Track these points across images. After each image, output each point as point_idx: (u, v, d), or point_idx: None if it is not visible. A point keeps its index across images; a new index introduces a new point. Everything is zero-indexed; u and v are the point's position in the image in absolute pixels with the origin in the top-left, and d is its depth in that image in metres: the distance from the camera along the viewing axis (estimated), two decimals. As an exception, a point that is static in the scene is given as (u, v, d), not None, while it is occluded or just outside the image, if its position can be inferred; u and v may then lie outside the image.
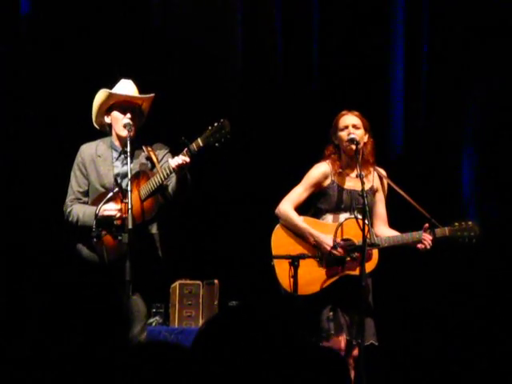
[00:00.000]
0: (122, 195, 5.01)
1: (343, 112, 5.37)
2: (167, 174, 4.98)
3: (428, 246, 5.20)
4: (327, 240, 5.23)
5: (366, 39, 6.85)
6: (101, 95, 5.23)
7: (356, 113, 5.36)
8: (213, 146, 4.93)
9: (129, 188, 4.89)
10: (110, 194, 5.04)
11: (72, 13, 6.65)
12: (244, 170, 6.78)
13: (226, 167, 6.71)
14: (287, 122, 6.81)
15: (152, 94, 5.27)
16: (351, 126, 5.29)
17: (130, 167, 4.96)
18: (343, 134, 5.30)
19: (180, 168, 4.90)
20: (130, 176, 4.94)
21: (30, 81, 6.62)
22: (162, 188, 5.05)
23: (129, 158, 4.97)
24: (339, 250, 5.21)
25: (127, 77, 5.31)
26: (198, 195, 6.59)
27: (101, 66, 6.48)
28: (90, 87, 5.40)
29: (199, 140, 4.92)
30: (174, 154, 5.10)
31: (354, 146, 5.22)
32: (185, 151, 4.92)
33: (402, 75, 6.91)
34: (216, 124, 4.93)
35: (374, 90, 6.85)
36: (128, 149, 4.99)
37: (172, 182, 5.07)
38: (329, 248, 5.21)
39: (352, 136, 5.24)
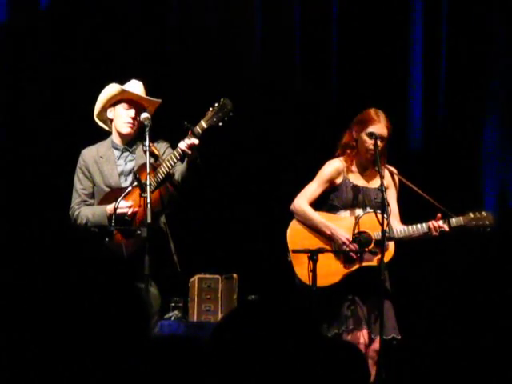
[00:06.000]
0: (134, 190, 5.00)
1: (378, 117, 5.26)
2: (174, 162, 4.96)
3: (437, 228, 5.17)
4: (343, 234, 5.23)
5: (385, 38, 6.81)
6: (112, 89, 5.23)
7: (388, 124, 5.26)
8: (216, 125, 4.89)
9: (148, 182, 4.83)
10: (129, 189, 5.02)
11: (90, 9, 6.66)
12: (260, 164, 6.76)
13: (242, 161, 6.70)
14: (304, 117, 6.80)
15: (159, 100, 5.28)
16: (379, 138, 5.23)
17: (148, 160, 4.88)
18: (368, 142, 5.25)
19: (190, 149, 4.87)
20: (148, 170, 4.87)
21: (43, 77, 6.65)
22: (169, 176, 5.02)
23: (147, 152, 4.89)
24: (354, 244, 5.21)
25: (137, 73, 5.34)
26: (216, 190, 6.62)
27: (112, 62, 6.49)
28: (100, 85, 5.38)
29: (202, 122, 4.89)
30: (174, 148, 5.06)
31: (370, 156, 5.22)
32: (189, 134, 4.90)
33: (420, 71, 6.87)
34: (217, 104, 4.91)
35: (393, 87, 6.80)
36: (147, 142, 4.92)
37: (180, 168, 5.02)
38: (345, 241, 5.20)
39: (372, 153, 5.21)
